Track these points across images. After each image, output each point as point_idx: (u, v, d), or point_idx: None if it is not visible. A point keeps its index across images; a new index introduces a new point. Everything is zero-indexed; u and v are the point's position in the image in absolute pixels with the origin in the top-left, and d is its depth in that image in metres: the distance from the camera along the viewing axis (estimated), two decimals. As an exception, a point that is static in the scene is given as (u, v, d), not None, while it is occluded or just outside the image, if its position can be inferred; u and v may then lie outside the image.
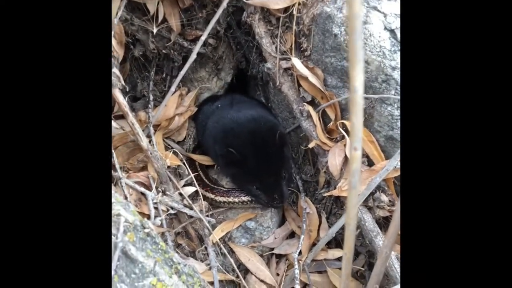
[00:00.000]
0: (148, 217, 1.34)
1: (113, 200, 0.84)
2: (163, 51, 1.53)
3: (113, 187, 1.32)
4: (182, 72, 1.43)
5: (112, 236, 0.77)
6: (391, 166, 1.31)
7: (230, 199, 1.53)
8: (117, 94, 1.25)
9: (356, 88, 0.45)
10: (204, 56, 1.62)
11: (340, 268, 1.56)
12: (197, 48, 1.41)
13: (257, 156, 1.42)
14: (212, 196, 1.55)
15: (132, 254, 0.79)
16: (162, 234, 1.36)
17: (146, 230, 0.86)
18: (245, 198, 1.53)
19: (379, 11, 1.35)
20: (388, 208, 1.39)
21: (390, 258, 1.31)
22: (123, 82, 1.29)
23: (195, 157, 1.65)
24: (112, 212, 0.82)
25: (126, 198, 1.30)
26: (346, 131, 1.40)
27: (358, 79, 0.44)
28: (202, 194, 1.49)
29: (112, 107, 1.45)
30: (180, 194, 1.41)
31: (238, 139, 1.44)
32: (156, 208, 1.36)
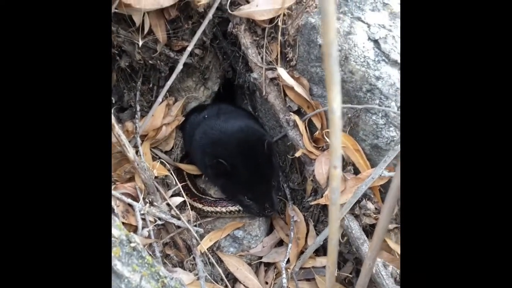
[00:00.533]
0: (136, 228, 1.34)
1: (98, 215, 0.84)
2: (150, 61, 1.53)
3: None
4: (169, 83, 1.43)
5: (98, 252, 0.77)
6: (377, 174, 1.33)
7: (218, 209, 1.53)
8: (103, 106, 1.25)
9: (334, 110, 0.46)
10: (190, 66, 1.63)
11: (328, 276, 1.57)
12: (183, 58, 1.42)
13: (246, 166, 1.43)
14: (200, 206, 1.55)
15: (118, 270, 0.79)
16: (150, 245, 1.36)
17: (132, 245, 0.86)
18: (233, 208, 1.53)
19: (363, 21, 1.37)
20: (374, 215, 1.40)
21: (376, 266, 1.32)
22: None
23: (183, 166, 1.66)
24: (98, 227, 0.82)
25: (113, 210, 1.29)
26: (332, 140, 1.41)
27: (336, 101, 0.45)
28: (190, 204, 1.49)
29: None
30: (168, 204, 1.41)
31: (227, 150, 1.45)
32: (143, 219, 1.36)
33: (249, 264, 1.56)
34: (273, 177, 1.47)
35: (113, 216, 0.88)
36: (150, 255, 0.89)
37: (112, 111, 1.30)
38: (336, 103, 0.45)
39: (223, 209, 1.53)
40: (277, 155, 1.64)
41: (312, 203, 1.46)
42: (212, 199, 1.57)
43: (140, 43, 1.35)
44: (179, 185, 1.45)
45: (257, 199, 1.46)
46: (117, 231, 0.84)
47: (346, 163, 1.43)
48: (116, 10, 1.25)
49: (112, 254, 0.80)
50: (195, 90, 1.73)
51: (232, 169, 1.41)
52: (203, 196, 1.56)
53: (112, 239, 0.82)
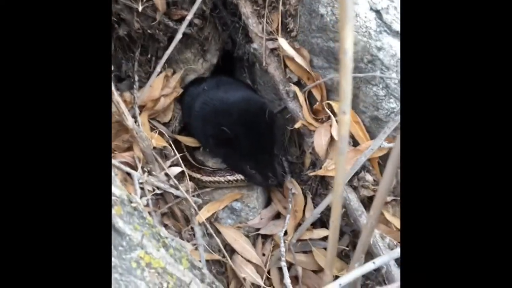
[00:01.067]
0: (134, 197, 1.34)
1: (99, 174, 0.83)
2: (148, 31, 1.51)
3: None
4: (168, 52, 1.42)
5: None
6: (376, 145, 1.32)
7: (216, 179, 1.53)
8: (102, 72, 1.24)
9: (345, 50, 0.45)
10: (189, 37, 1.61)
11: (325, 248, 1.58)
12: (182, 28, 1.40)
13: (249, 135, 1.42)
14: (198, 176, 1.55)
15: (120, 227, 0.79)
16: (148, 214, 1.35)
17: (133, 205, 0.86)
18: (231, 178, 1.53)
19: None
20: (373, 187, 1.41)
21: (374, 236, 1.33)
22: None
23: (181, 138, 1.65)
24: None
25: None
26: (332, 111, 1.41)
27: (348, 41, 0.44)
28: (188, 174, 1.49)
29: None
30: (166, 174, 1.40)
31: (230, 118, 1.44)
32: (142, 189, 1.36)
33: (247, 236, 1.56)
34: (275, 146, 1.47)
35: (113, 176, 0.87)
36: (150, 215, 0.89)
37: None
38: (348, 43, 0.44)
39: (221, 179, 1.53)
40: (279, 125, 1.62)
41: (311, 174, 1.46)
42: (210, 169, 1.56)
43: (140, 8, 1.33)
44: (178, 155, 1.45)
45: (260, 169, 1.46)
46: (118, 190, 0.84)
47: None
48: (115, -26, 1.23)
49: (114, 212, 0.79)
50: (193, 62, 1.71)
51: (235, 138, 1.40)
52: (202, 167, 1.56)
53: (113, 197, 0.81)
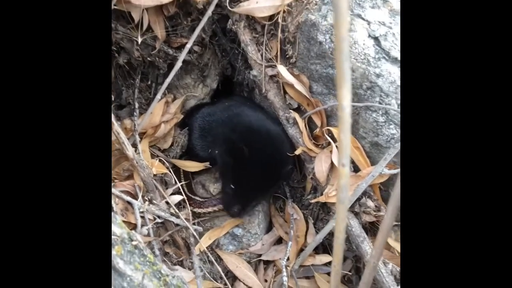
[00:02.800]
0: (135, 226, 1.33)
1: (100, 213, 0.83)
2: (148, 58, 1.52)
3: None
4: (168, 80, 1.42)
5: (100, 250, 0.77)
6: (377, 172, 1.32)
7: (206, 210, 1.53)
8: (102, 103, 1.24)
9: (344, 107, 0.45)
10: (189, 63, 1.62)
11: (327, 273, 1.57)
12: (182, 56, 1.41)
13: (259, 165, 1.43)
14: (190, 208, 1.53)
15: (120, 268, 0.78)
16: (149, 243, 1.35)
17: (134, 243, 0.86)
18: (216, 208, 1.53)
19: (363, 18, 1.36)
20: (374, 213, 1.40)
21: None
22: (108, 91, 1.28)
23: (180, 163, 1.64)
24: (99, 225, 0.81)
25: (112, 208, 1.28)
26: (332, 137, 1.41)
27: (346, 98, 0.44)
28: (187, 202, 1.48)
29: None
30: (167, 202, 1.40)
31: (257, 137, 1.45)
32: (142, 217, 1.35)
33: (248, 262, 1.56)
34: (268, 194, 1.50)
35: (114, 214, 0.87)
36: (152, 253, 0.89)
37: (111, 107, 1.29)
38: (346, 100, 0.45)
39: (210, 209, 1.52)
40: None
41: (312, 201, 1.45)
42: (200, 199, 1.56)
43: (140, 40, 1.34)
44: (179, 184, 1.45)
45: (238, 197, 1.45)
46: (118, 229, 0.83)
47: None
48: (115, 7, 1.24)
49: (114, 253, 0.79)
50: (193, 87, 1.72)
51: (248, 155, 1.40)
52: (192, 197, 1.55)
53: (114, 237, 0.81)
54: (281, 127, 1.52)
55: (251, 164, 1.42)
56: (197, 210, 1.51)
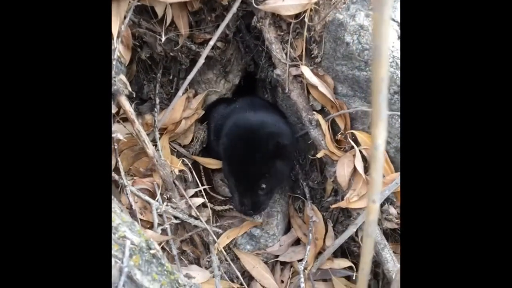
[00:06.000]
0: (152, 225, 1.33)
1: (118, 220, 0.82)
2: (171, 53, 1.50)
3: (118, 195, 1.31)
4: (190, 77, 1.40)
5: (118, 261, 0.76)
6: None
7: (227, 207, 1.51)
8: (123, 101, 1.23)
9: (377, 145, 0.43)
10: (212, 58, 1.59)
11: (345, 277, 1.54)
12: (205, 52, 1.38)
13: (242, 153, 1.36)
14: (211, 205, 1.52)
15: (138, 279, 0.77)
16: (167, 241, 1.34)
17: (152, 251, 0.84)
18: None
19: (392, 19, 1.31)
20: (396, 220, 1.37)
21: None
22: (130, 89, 1.27)
23: (201, 160, 1.63)
24: (118, 234, 0.80)
25: (131, 206, 1.28)
26: (356, 141, 1.38)
27: (380, 137, 0.42)
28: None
29: (118, 111, 1.42)
30: (186, 202, 1.39)
31: (236, 131, 1.40)
32: (160, 216, 1.35)
33: (265, 263, 1.54)
34: (264, 177, 1.38)
35: (133, 221, 0.86)
36: (169, 261, 0.87)
37: (133, 106, 1.27)
38: (380, 139, 0.42)
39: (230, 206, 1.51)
40: (291, 160, 1.56)
41: (333, 206, 1.42)
42: (221, 198, 1.54)
43: (163, 38, 1.31)
44: (201, 187, 1.44)
45: (239, 191, 1.39)
46: (137, 238, 0.82)
47: (369, 165, 1.39)
48: (138, 3, 1.22)
49: (132, 263, 0.78)
50: (215, 83, 1.69)
51: (230, 150, 1.37)
52: (214, 195, 1.54)
53: (132, 246, 0.80)
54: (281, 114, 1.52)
55: (236, 155, 1.38)
56: (217, 208, 1.50)
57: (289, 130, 1.49)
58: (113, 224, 0.80)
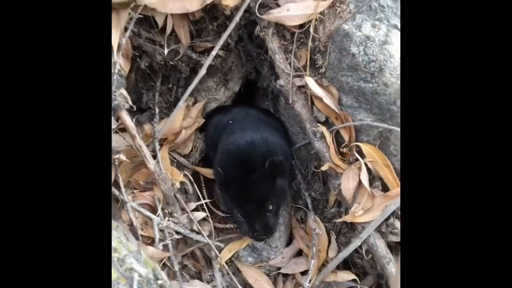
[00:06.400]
0: (153, 241, 1.30)
1: (125, 251, 0.79)
2: (171, 62, 1.46)
3: (119, 211, 1.28)
4: (190, 88, 1.36)
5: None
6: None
7: (227, 226, 1.49)
8: (124, 116, 1.20)
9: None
10: (212, 67, 1.55)
11: (348, 289, 1.53)
12: (207, 63, 1.34)
13: (240, 180, 1.35)
14: (211, 222, 1.49)
15: (146, 314, 0.74)
16: (168, 258, 1.31)
17: (160, 282, 0.82)
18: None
19: (399, 30, 1.28)
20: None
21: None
22: (130, 103, 1.23)
23: (202, 171, 1.60)
24: (125, 266, 0.77)
25: (132, 223, 1.25)
26: (360, 153, 1.35)
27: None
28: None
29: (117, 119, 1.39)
30: (188, 217, 1.36)
31: (228, 160, 1.39)
32: (162, 231, 1.32)
33: (267, 275, 1.52)
34: (269, 199, 1.36)
35: (139, 250, 0.83)
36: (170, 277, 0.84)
37: (134, 121, 1.24)
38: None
39: (232, 226, 1.48)
40: (288, 176, 1.51)
41: (338, 220, 1.40)
42: (222, 215, 1.53)
43: (166, 51, 1.27)
44: (203, 201, 1.41)
45: (247, 218, 1.37)
46: (144, 269, 0.79)
47: (374, 178, 1.37)
48: (140, 16, 1.17)
49: (140, 297, 0.75)
50: (215, 90, 1.65)
51: (227, 179, 1.35)
52: (215, 211, 1.51)
53: (140, 279, 0.77)
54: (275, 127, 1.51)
55: (236, 183, 1.36)
56: (218, 225, 1.48)
57: (281, 143, 1.48)
58: (120, 255, 0.77)
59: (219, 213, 1.52)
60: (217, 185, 1.52)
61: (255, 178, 1.33)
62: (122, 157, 1.16)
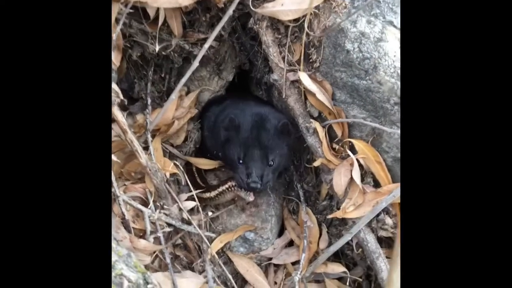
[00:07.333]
0: (145, 233, 1.31)
1: (115, 257, 0.80)
2: (163, 53, 1.44)
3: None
4: (183, 80, 1.34)
5: (115, 303, 0.74)
6: (399, 192, 1.27)
7: (221, 189, 1.49)
8: (115, 111, 1.19)
9: None
10: (205, 56, 1.53)
11: (337, 279, 1.56)
12: (200, 55, 1.32)
13: (251, 129, 1.42)
14: (208, 194, 1.50)
15: (136, 321, 0.75)
16: (160, 250, 1.33)
17: (150, 286, 0.82)
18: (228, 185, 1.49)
19: (395, 26, 1.27)
20: (392, 230, 1.37)
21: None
22: (122, 97, 1.22)
23: (193, 160, 1.59)
24: (115, 272, 0.78)
25: (124, 216, 1.25)
26: (353, 150, 1.36)
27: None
28: (198, 196, 1.44)
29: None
30: (179, 207, 1.37)
31: (243, 113, 1.47)
32: (153, 223, 1.33)
33: (259, 265, 1.54)
34: (274, 153, 1.41)
35: (129, 253, 0.83)
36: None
37: (125, 117, 1.23)
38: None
39: (225, 186, 1.48)
40: (294, 141, 1.53)
41: (330, 216, 1.41)
42: (215, 183, 1.55)
43: (157, 48, 1.25)
44: (194, 192, 1.41)
45: (248, 164, 1.40)
46: (134, 274, 0.80)
47: (366, 173, 1.38)
48: (131, 10, 1.15)
49: (129, 304, 0.76)
50: (208, 80, 1.64)
51: (239, 126, 1.42)
52: (202, 184, 1.53)
53: (129, 284, 0.78)
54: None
55: (246, 131, 1.43)
56: (207, 195, 1.48)
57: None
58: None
59: (202, 184, 1.54)
60: (221, 131, 1.51)
61: (267, 132, 1.42)
62: (114, 158, 1.15)
